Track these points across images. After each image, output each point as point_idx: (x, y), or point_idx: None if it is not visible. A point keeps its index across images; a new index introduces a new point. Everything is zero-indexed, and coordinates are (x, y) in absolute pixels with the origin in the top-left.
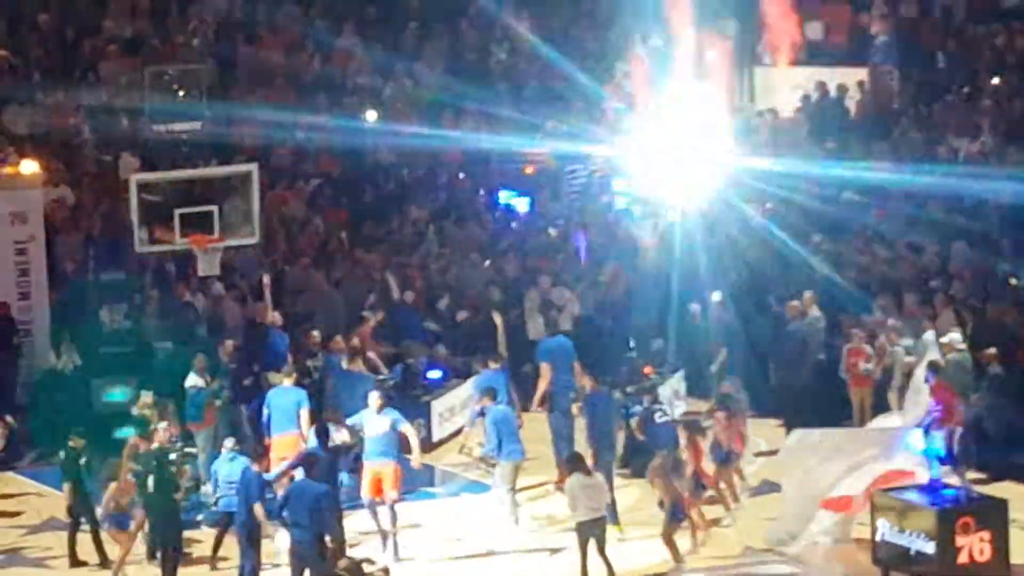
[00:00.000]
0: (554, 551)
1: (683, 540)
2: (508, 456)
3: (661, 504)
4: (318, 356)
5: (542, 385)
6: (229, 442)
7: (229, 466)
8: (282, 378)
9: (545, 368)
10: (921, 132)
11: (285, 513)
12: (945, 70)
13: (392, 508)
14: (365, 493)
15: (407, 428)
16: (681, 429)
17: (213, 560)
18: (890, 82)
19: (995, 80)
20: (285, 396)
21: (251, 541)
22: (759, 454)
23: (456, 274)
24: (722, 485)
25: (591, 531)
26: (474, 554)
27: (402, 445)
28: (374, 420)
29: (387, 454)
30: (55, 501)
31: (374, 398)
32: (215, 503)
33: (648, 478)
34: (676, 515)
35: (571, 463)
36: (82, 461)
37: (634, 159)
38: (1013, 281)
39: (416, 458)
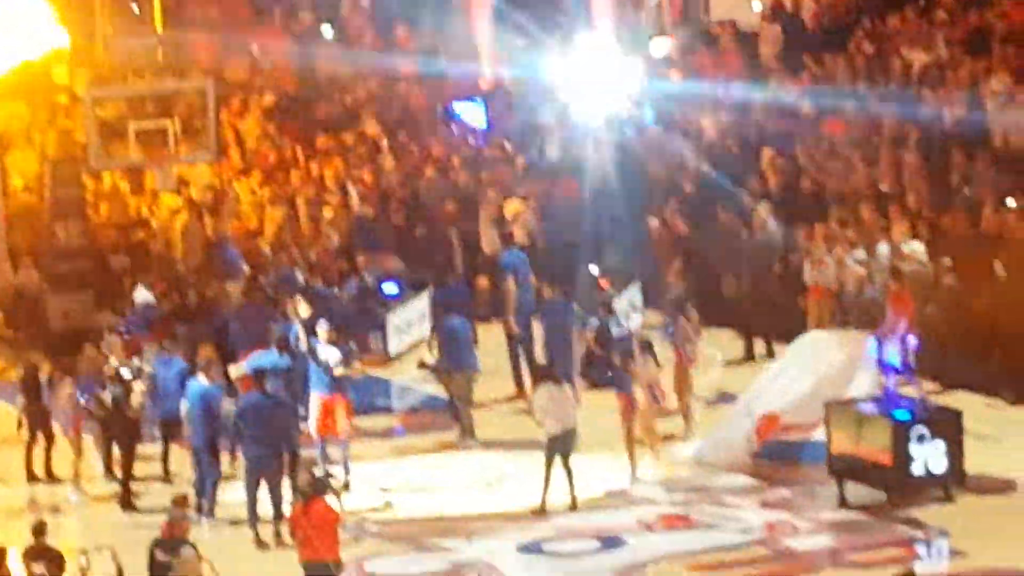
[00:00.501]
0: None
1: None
2: (463, 368)
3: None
4: (270, 273)
5: (510, 297)
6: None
7: (166, 371)
8: (236, 288)
9: (509, 280)
10: (874, 44)
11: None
12: None
13: (345, 446)
14: (315, 430)
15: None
16: (637, 342)
17: (167, 475)
18: None
19: None
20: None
21: (212, 454)
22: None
23: (411, 188)
24: (677, 396)
25: (561, 444)
26: (427, 471)
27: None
28: (325, 351)
29: (336, 388)
30: (11, 418)
31: (323, 330)
32: (159, 412)
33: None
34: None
35: (541, 373)
36: (41, 377)
37: (583, 73)
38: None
39: (344, 428)
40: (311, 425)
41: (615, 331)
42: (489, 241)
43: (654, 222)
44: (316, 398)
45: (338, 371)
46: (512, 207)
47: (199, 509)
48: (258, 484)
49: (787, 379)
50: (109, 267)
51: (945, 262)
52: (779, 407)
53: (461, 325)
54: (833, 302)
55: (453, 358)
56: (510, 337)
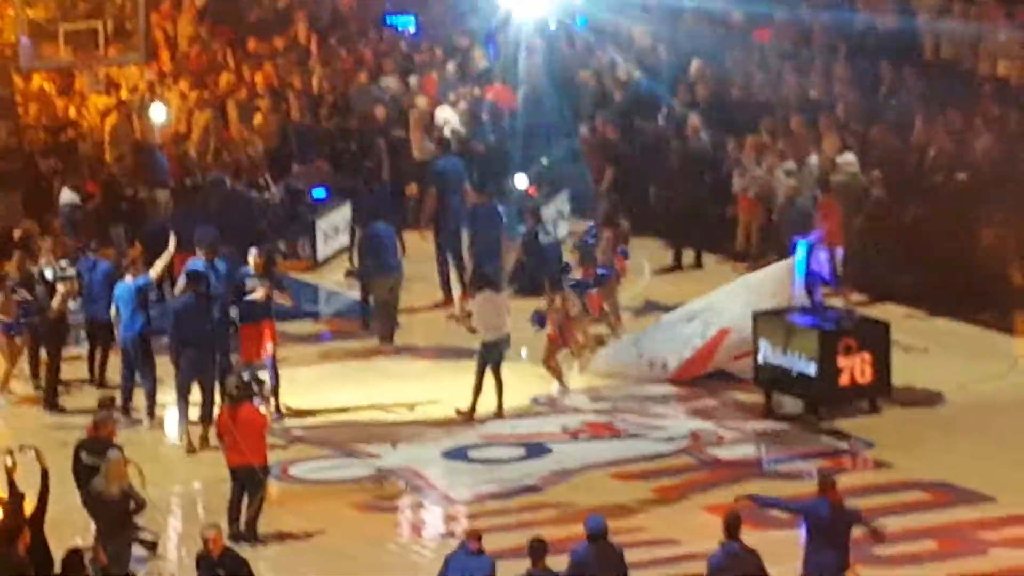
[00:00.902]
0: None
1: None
2: (384, 272)
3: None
4: (197, 176)
5: (429, 204)
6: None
7: (92, 273)
8: (165, 194)
9: (431, 190)
10: None
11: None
12: None
13: (274, 365)
14: (240, 357)
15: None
16: (568, 251)
17: (93, 377)
18: None
19: None
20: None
21: (146, 356)
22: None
23: (341, 92)
24: (606, 306)
25: (495, 350)
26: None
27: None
28: (254, 282)
29: (265, 315)
30: None
31: (253, 258)
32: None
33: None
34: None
35: (480, 280)
36: None
37: None
38: None
39: (269, 352)
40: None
41: (542, 239)
42: (419, 148)
43: (584, 130)
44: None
45: (258, 295)
46: (443, 114)
47: (125, 411)
48: (190, 388)
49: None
50: (38, 168)
51: (875, 174)
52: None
53: (384, 230)
54: (762, 212)
55: (375, 262)
56: (438, 245)
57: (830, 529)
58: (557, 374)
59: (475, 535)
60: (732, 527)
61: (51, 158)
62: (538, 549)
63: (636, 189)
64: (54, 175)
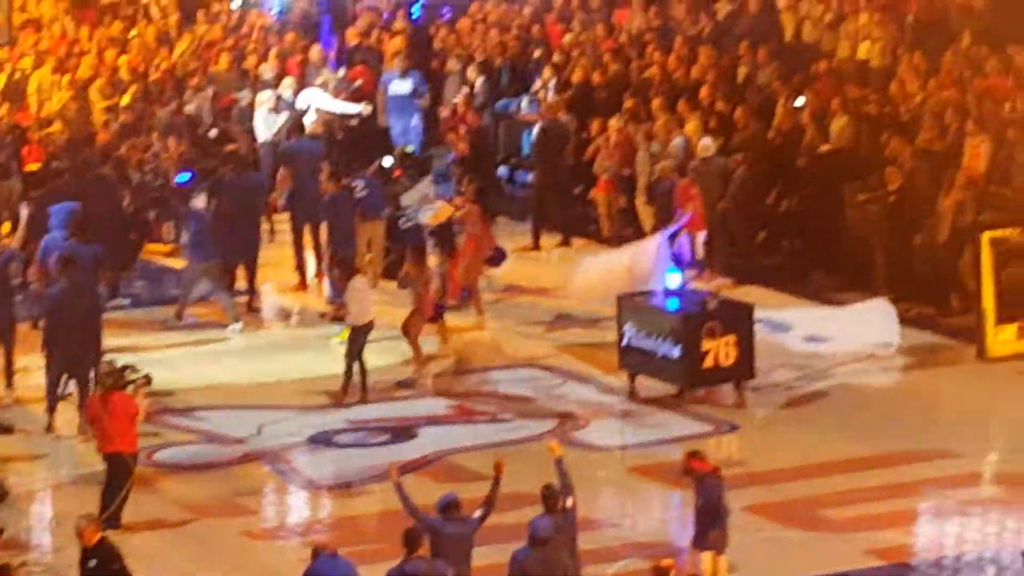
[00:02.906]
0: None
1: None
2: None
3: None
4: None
5: (280, 186)
6: None
7: None
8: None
9: (284, 171)
10: None
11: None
12: None
13: None
14: None
15: None
16: (428, 235)
17: None
18: None
19: None
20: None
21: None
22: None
23: (200, 76)
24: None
25: (364, 334)
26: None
27: None
28: None
29: None
30: None
31: None
32: None
33: (399, 285)
34: (420, 313)
35: (346, 268)
36: None
37: None
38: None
39: None
40: None
41: (402, 225)
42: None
43: (444, 112)
44: None
45: None
46: (307, 95)
47: None
48: (63, 374)
49: None
50: None
51: (737, 157)
52: None
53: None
54: (622, 195)
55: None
56: (294, 228)
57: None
58: (416, 346)
59: (323, 546)
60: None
61: None
62: (412, 538)
63: (494, 171)
64: None
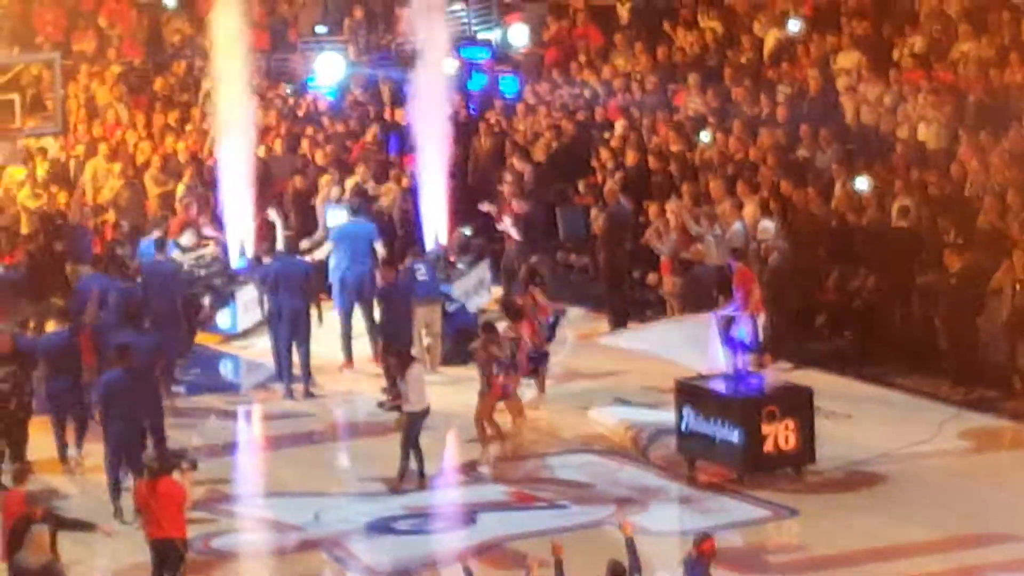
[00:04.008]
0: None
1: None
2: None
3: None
4: (126, 245)
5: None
6: None
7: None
8: (88, 269)
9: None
10: (723, 20)
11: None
12: None
13: None
14: None
15: None
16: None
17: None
18: None
19: None
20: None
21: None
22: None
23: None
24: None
25: (421, 420)
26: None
27: None
28: None
29: None
30: None
31: None
32: None
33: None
34: (496, 393)
35: (404, 355)
36: None
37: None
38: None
39: None
40: None
41: (449, 308)
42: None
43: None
44: None
45: None
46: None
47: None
48: (120, 461)
49: None
50: None
51: (794, 240)
52: None
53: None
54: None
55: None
56: (344, 312)
57: None
58: (487, 435)
59: None
60: None
61: None
62: None
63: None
64: None
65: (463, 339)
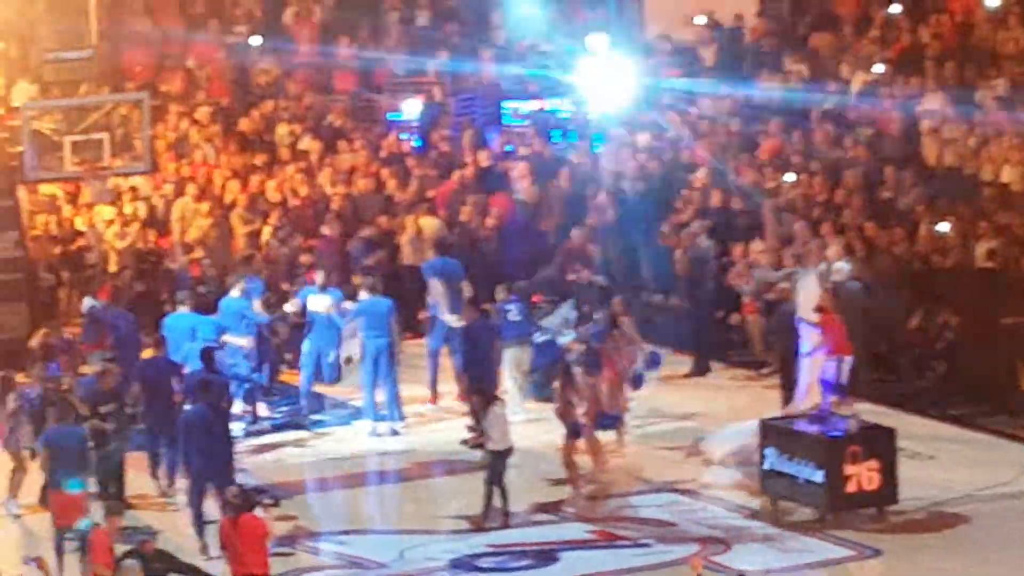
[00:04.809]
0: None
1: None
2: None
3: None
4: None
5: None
6: None
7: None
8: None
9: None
10: (809, 63)
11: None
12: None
13: None
14: None
15: None
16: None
17: None
18: (781, 11)
19: (885, 11)
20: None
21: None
22: None
23: (352, 200)
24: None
25: (504, 459)
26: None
27: None
28: None
29: None
30: None
31: None
32: None
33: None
34: (574, 434)
35: (488, 396)
36: None
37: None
38: None
39: None
40: None
41: (538, 339)
42: (408, 253)
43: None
44: None
45: None
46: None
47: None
48: (202, 496)
49: None
50: (42, 280)
51: (879, 280)
52: None
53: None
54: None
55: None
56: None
57: None
58: (573, 473)
59: None
60: None
61: (57, 270)
62: None
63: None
64: (59, 286)
65: (553, 374)
